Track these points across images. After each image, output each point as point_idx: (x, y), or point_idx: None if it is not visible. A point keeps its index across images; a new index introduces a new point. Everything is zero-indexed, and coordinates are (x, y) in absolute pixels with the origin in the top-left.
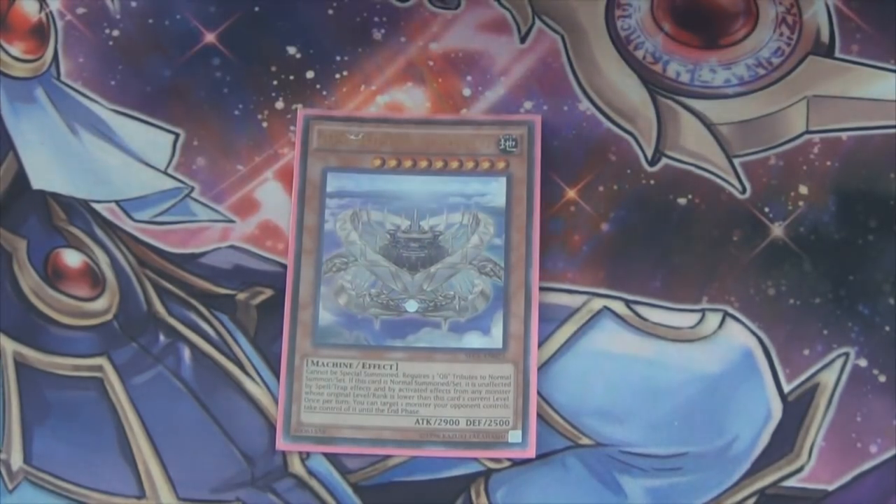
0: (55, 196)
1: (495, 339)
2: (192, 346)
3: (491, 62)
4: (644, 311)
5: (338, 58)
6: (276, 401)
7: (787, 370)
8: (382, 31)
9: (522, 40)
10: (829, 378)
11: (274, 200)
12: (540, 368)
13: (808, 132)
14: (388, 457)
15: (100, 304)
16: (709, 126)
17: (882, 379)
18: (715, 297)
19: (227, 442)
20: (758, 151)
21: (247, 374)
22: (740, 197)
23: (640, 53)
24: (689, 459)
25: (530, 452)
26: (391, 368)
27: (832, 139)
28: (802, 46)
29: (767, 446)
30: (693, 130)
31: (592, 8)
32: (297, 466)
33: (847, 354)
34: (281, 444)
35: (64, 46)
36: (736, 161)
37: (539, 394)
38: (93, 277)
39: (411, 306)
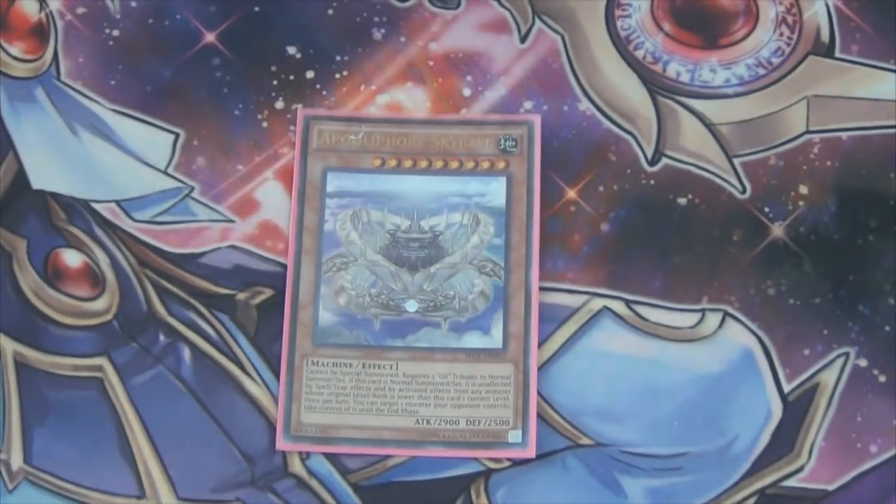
0: (55, 196)
1: (495, 339)
2: (192, 346)
3: (491, 62)
4: (644, 311)
5: (338, 58)
6: (276, 401)
7: (787, 370)
8: (382, 31)
9: (522, 40)
10: (829, 378)
11: (274, 200)
12: (540, 368)
13: (808, 132)
14: (388, 457)
15: (100, 304)
16: (709, 126)
17: (882, 379)
18: (715, 297)
19: (227, 442)
20: (758, 151)
21: (247, 374)
22: (740, 197)
23: (640, 53)
24: (689, 459)
25: (530, 452)
26: (391, 368)
27: (832, 139)
28: (802, 46)
29: (767, 446)
30: (693, 130)
31: (592, 8)
32: (297, 466)
33: (847, 354)
34: (281, 444)
35: (64, 46)
36: (736, 161)
37: (539, 394)
38: (93, 277)
39: (411, 306)
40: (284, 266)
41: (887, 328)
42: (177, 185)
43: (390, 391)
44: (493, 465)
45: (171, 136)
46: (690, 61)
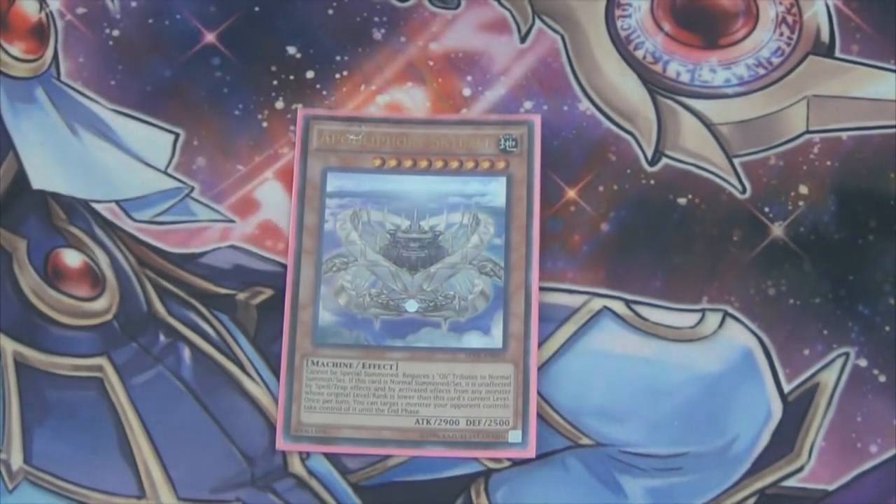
0: (55, 196)
1: (495, 339)
2: (192, 346)
3: (491, 62)
4: (644, 310)
5: (338, 58)
6: (276, 401)
7: (787, 370)
8: (382, 31)
9: (522, 40)
10: (829, 378)
11: (274, 200)
12: (540, 368)
13: (808, 132)
14: (388, 457)
15: (100, 304)
16: (709, 126)
17: (882, 379)
18: (715, 297)
19: (227, 442)
20: (758, 151)
21: (247, 374)
22: (740, 197)
23: (640, 53)
24: (689, 459)
25: (530, 452)
26: (391, 368)
27: (832, 139)
28: (802, 46)
29: (767, 446)
30: (693, 130)
31: (592, 8)
32: (297, 466)
33: (847, 354)
34: (281, 444)
35: (64, 46)
36: (736, 161)
37: (539, 394)
38: (93, 277)
39: (411, 306)
40: (284, 266)
41: (887, 328)
42: (177, 185)
43: (390, 391)
44: (493, 465)
45: (171, 136)
46: (690, 61)
